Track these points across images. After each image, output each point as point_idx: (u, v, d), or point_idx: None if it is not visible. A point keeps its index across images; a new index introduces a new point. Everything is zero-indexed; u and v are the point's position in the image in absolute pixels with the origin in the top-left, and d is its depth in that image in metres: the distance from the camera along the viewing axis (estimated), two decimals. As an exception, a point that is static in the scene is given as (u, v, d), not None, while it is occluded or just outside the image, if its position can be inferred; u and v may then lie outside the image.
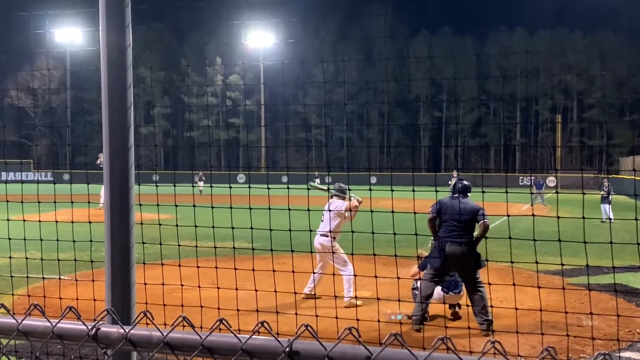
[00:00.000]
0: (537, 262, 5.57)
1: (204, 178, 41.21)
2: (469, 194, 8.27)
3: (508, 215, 5.90)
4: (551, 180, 52.62)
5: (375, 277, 5.29)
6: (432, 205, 8.11)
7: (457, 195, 8.18)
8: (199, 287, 5.49)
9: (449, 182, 30.85)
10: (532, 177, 45.83)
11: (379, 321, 4.92)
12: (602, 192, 23.89)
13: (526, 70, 79.24)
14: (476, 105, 79.53)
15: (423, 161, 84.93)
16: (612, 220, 20.91)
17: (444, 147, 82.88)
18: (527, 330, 6.85)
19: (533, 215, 4.86)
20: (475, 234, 7.87)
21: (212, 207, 4.65)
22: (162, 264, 4.80)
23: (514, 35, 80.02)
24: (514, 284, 5.81)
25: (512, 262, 5.59)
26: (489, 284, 6.53)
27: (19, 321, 1.81)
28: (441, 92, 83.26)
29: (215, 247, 5.71)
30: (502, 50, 77.55)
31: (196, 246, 5.56)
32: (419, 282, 8.06)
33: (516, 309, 5.96)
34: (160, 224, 5.03)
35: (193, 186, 4.92)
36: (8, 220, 5.80)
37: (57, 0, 53.33)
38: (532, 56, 72.22)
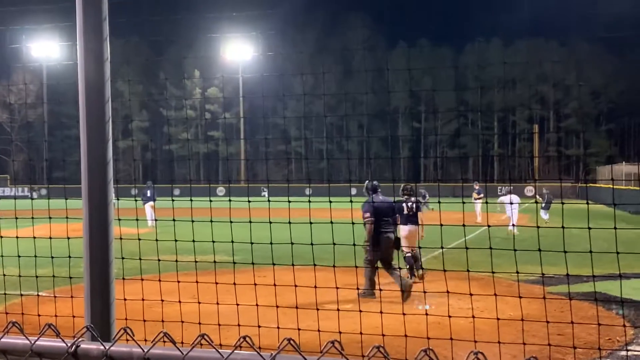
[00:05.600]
0: (517, 272, 5.60)
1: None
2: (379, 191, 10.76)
3: (489, 226, 5.94)
4: (529, 190, 53.07)
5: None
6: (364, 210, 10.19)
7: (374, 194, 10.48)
8: (180, 301, 5.44)
9: (473, 191, 29.75)
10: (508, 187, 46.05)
11: (361, 333, 4.90)
12: (540, 200, 25.93)
13: (503, 81, 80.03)
14: (454, 116, 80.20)
15: (402, 172, 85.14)
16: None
17: (423, 157, 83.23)
18: (508, 340, 6.87)
19: (513, 225, 4.89)
20: None
21: (192, 221, 4.63)
22: (142, 279, 4.75)
23: (490, 46, 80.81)
24: (495, 294, 5.83)
25: (493, 272, 5.62)
26: (470, 294, 6.52)
27: (-4, 340, 1.78)
28: (419, 104, 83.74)
29: (196, 262, 5.66)
30: (479, 61, 78.30)
31: (176, 260, 5.52)
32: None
33: (497, 319, 5.98)
34: (139, 239, 4.98)
35: (173, 200, 4.89)
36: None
37: (34, 14, 53.04)
38: (509, 67, 72.99)
